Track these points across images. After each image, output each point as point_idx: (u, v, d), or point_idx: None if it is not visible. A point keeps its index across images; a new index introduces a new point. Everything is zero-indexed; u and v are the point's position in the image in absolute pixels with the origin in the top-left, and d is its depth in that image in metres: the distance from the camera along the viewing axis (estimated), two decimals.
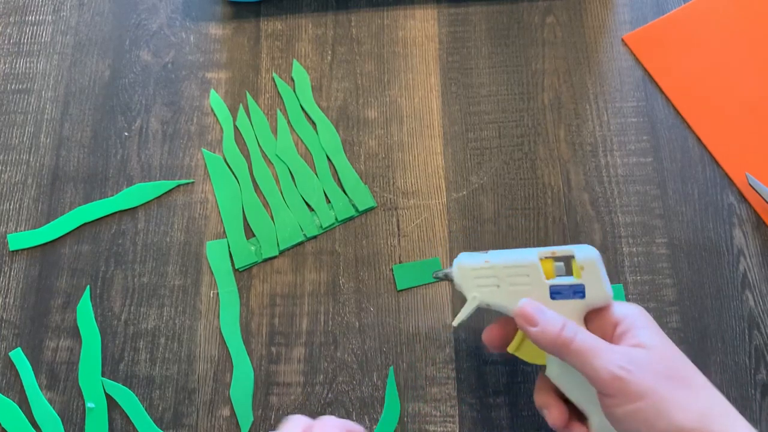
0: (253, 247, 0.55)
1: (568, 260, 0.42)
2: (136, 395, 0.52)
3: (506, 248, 0.54)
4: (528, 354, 0.43)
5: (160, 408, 0.51)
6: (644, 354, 0.37)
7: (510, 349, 0.44)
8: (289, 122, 0.59)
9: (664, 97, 0.59)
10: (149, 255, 0.55)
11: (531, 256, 0.42)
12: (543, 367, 0.43)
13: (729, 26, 0.60)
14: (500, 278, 0.42)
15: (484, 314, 0.53)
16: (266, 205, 0.57)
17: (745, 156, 0.56)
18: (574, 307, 0.40)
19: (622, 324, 0.39)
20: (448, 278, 0.45)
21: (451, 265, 0.47)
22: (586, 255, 0.41)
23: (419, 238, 0.55)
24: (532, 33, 0.61)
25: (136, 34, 0.63)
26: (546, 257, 0.42)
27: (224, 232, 0.56)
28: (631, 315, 0.40)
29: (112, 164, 0.58)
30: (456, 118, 0.59)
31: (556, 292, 0.41)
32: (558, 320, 0.39)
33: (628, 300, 0.52)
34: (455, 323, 0.45)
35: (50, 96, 0.61)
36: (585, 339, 0.38)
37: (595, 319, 0.41)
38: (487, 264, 0.43)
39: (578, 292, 0.40)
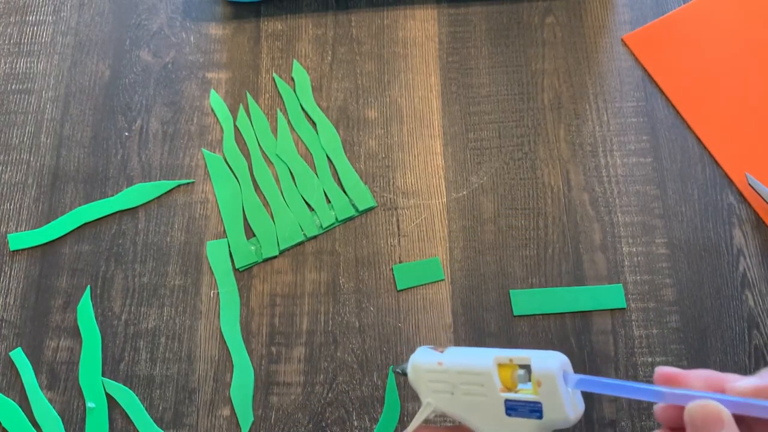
0: (253, 247, 0.55)
1: (528, 368, 0.35)
2: (137, 395, 0.52)
3: (508, 249, 0.54)
4: None
5: (160, 408, 0.51)
6: None
7: None
8: (289, 122, 0.60)
9: (664, 97, 0.59)
10: (149, 255, 0.56)
11: (487, 360, 0.35)
12: None
13: (729, 26, 0.60)
14: (454, 385, 0.36)
15: (485, 313, 0.53)
16: (266, 205, 0.57)
17: (745, 156, 0.56)
18: (534, 427, 0.34)
19: None
20: (404, 374, 0.39)
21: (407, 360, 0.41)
22: (543, 366, 0.34)
23: (419, 238, 0.55)
24: (532, 33, 0.61)
25: (137, 34, 0.63)
26: (503, 363, 0.35)
27: (224, 232, 0.56)
28: None
29: (113, 164, 0.59)
30: (456, 118, 0.59)
31: (511, 408, 0.35)
32: None
33: (627, 300, 0.53)
34: (408, 431, 0.39)
35: (50, 96, 0.61)
36: None
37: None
38: (440, 366, 0.37)
39: (535, 411, 0.34)
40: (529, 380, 0.35)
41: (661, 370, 0.33)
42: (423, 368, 0.38)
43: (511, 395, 0.35)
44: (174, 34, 0.63)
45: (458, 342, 0.52)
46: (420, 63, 0.61)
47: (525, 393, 0.34)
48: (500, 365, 0.35)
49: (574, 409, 0.34)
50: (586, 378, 0.33)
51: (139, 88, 0.61)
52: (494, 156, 0.58)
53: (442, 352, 0.38)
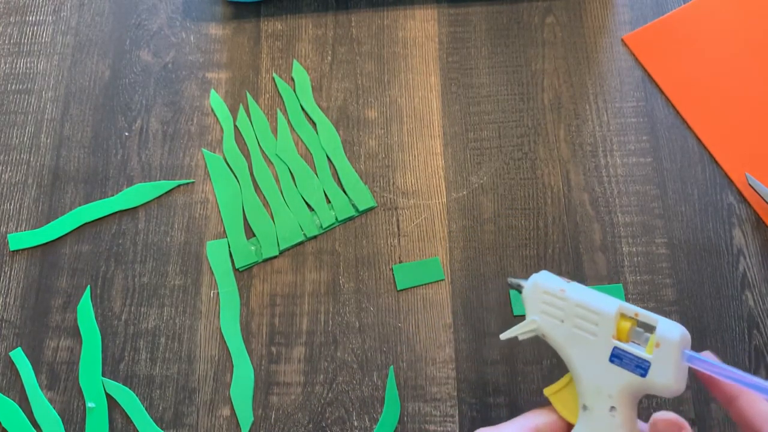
0: (253, 247, 0.55)
1: (649, 329, 0.36)
2: (137, 395, 0.52)
3: (508, 249, 0.54)
4: (562, 403, 0.39)
5: (160, 408, 0.51)
6: None
7: (547, 392, 0.40)
8: (289, 122, 0.60)
9: (664, 97, 0.59)
10: (149, 255, 0.56)
11: (611, 307, 0.37)
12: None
13: (729, 26, 0.60)
14: (567, 314, 0.38)
15: (485, 313, 0.53)
16: (266, 205, 0.57)
17: (745, 156, 0.56)
18: (631, 382, 0.35)
19: None
20: (519, 288, 0.41)
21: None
22: (668, 331, 0.35)
23: (419, 238, 0.55)
24: (532, 33, 0.61)
25: (137, 34, 0.63)
26: (627, 315, 0.37)
27: (224, 232, 0.56)
28: None
29: (113, 164, 0.59)
30: (456, 118, 0.59)
31: (616, 356, 0.36)
32: None
33: (627, 300, 0.53)
34: (503, 336, 0.41)
35: (50, 96, 0.61)
36: None
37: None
38: (562, 293, 0.38)
39: (640, 367, 0.35)
40: (645, 340, 0.36)
41: None
42: (543, 288, 0.39)
43: (623, 345, 0.35)
44: (174, 34, 0.63)
45: (458, 342, 0.52)
46: (420, 63, 0.61)
47: (638, 348, 0.35)
48: (623, 315, 0.36)
49: (678, 382, 0.34)
50: (702, 359, 0.34)
51: (139, 88, 0.61)
52: (494, 156, 0.58)
53: (568, 281, 0.39)
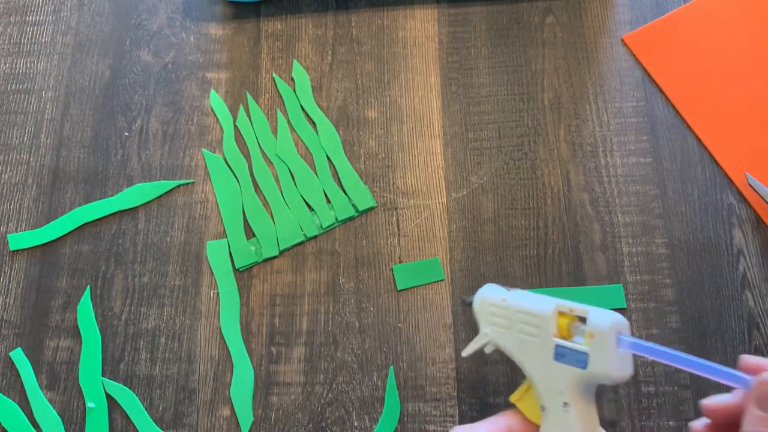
0: (253, 247, 0.55)
1: (585, 321, 0.37)
2: (137, 395, 0.52)
3: (508, 249, 0.54)
4: (526, 407, 0.40)
5: (160, 408, 0.51)
6: None
7: (512, 399, 0.41)
8: (289, 122, 0.60)
9: (664, 97, 0.59)
10: (149, 255, 0.56)
11: (548, 306, 0.38)
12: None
13: (729, 26, 0.60)
14: (512, 321, 0.40)
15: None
16: (266, 205, 0.57)
17: (745, 156, 0.56)
18: (576, 376, 0.36)
19: None
20: (469, 305, 0.43)
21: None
22: (598, 321, 0.35)
23: (419, 238, 0.55)
24: (532, 33, 0.61)
25: (136, 34, 0.63)
26: (564, 312, 0.38)
27: (224, 232, 0.56)
28: None
29: (113, 164, 0.59)
30: (456, 118, 0.59)
31: (559, 354, 0.37)
32: None
33: (627, 300, 0.53)
34: (464, 354, 0.43)
35: (50, 96, 0.61)
36: None
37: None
38: (504, 303, 0.40)
39: (581, 360, 0.35)
40: (583, 333, 0.36)
41: (745, 361, 0.34)
42: (488, 301, 0.41)
43: (563, 342, 0.37)
44: (174, 34, 0.63)
45: (458, 343, 0.52)
46: (420, 63, 0.61)
47: (577, 343, 0.36)
48: (560, 313, 0.37)
49: (619, 368, 0.35)
50: (638, 342, 0.34)
51: (139, 88, 0.61)
52: (494, 156, 0.58)
53: (509, 290, 0.41)
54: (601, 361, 0.35)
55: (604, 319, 0.36)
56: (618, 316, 0.36)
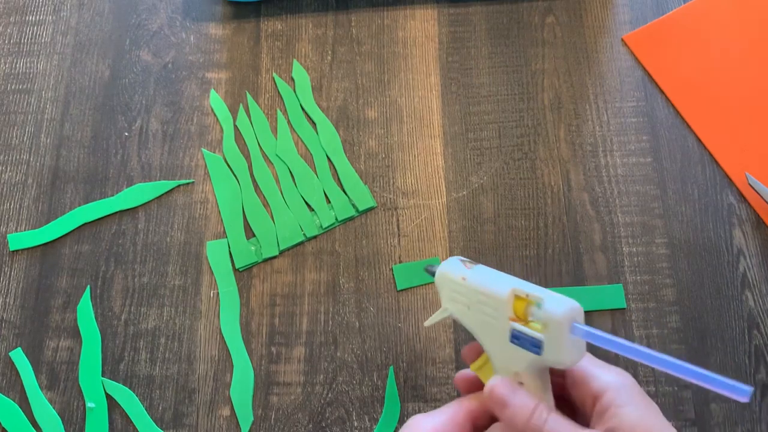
0: (253, 247, 0.55)
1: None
2: (137, 395, 0.52)
3: (508, 249, 0.54)
4: (486, 377, 0.40)
5: (160, 408, 0.51)
6: None
7: (473, 368, 0.41)
8: (289, 122, 0.60)
9: (664, 97, 0.59)
10: (149, 255, 0.56)
11: (504, 289, 0.37)
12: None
13: (729, 26, 0.60)
14: (471, 301, 0.39)
15: None
16: (266, 205, 0.57)
17: (745, 156, 0.56)
18: (531, 359, 0.36)
19: (602, 399, 0.35)
20: (433, 275, 0.43)
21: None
22: (553, 309, 0.35)
23: (419, 238, 0.55)
24: (532, 33, 0.61)
25: (136, 34, 0.63)
26: (519, 296, 0.37)
27: (224, 232, 0.56)
28: (613, 388, 0.35)
29: (112, 164, 0.59)
30: (456, 118, 0.59)
31: (515, 337, 0.36)
32: (528, 405, 0.35)
33: (627, 300, 0.53)
34: (426, 324, 0.43)
35: (50, 96, 0.61)
36: (558, 427, 0.34)
37: (576, 387, 0.37)
38: (463, 281, 0.40)
39: (535, 346, 0.35)
40: (539, 318, 0.36)
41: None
42: (447, 278, 0.41)
43: (518, 326, 0.36)
44: (174, 34, 0.63)
45: (458, 343, 0.52)
46: (420, 63, 0.61)
47: (532, 328, 0.36)
48: (517, 297, 0.37)
49: (571, 355, 0.35)
50: (592, 332, 0.35)
51: (139, 88, 0.61)
52: (494, 156, 0.58)
53: (470, 268, 0.40)
54: (555, 348, 0.35)
55: (559, 307, 0.35)
56: (573, 303, 0.35)
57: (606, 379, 0.36)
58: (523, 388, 0.36)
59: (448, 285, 0.41)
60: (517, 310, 0.37)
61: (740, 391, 0.29)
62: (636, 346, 0.33)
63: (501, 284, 0.38)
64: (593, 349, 0.35)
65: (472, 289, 0.39)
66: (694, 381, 0.31)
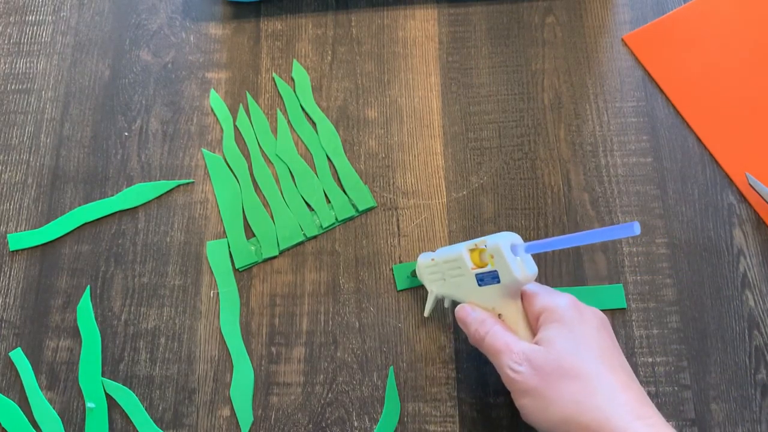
0: (253, 247, 0.55)
1: None
2: (136, 395, 0.52)
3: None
4: None
5: (160, 408, 0.51)
6: (540, 352, 0.40)
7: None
8: (289, 122, 0.60)
9: (664, 97, 0.59)
10: (149, 255, 0.56)
11: (459, 249, 0.46)
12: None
13: (729, 26, 0.60)
14: (443, 272, 0.48)
15: None
16: (266, 205, 0.57)
17: (745, 156, 0.56)
18: (497, 291, 0.44)
19: (541, 316, 0.42)
20: (413, 274, 0.52)
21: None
22: (493, 243, 0.43)
23: (419, 238, 0.55)
24: (532, 33, 0.61)
25: (136, 34, 0.63)
26: (471, 248, 0.45)
27: (224, 232, 0.56)
28: (550, 308, 0.42)
29: (112, 164, 0.59)
30: (456, 118, 0.59)
31: (480, 280, 0.45)
32: (477, 318, 0.44)
33: (627, 300, 0.53)
34: (425, 314, 0.51)
35: (50, 96, 0.61)
36: (494, 336, 0.42)
37: (528, 308, 0.43)
38: (433, 262, 0.48)
39: (495, 277, 0.43)
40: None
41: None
42: (423, 266, 0.50)
43: (478, 270, 0.45)
44: (174, 34, 0.63)
45: (458, 343, 0.52)
46: (420, 63, 0.61)
47: (487, 267, 0.44)
48: (470, 250, 0.46)
49: (522, 271, 0.43)
50: (530, 243, 0.43)
51: (139, 88, 0.61)
52: (494, 156, 0.58)
53: (435, 252, 0.49)
54: (506, 271, 0.43)
55: (496, 239, 0.43)
56: (508, 233, 0.44)
57: (547, 300, 0.42)
58: (491, 315, 0.44)
59: (425, 271, 0.50)
60: (474, 260, 0.45)
61: (628, 229, 0.36)
62: (571, 235, 0.41)
63: (457, 248, 0.46)
64: None
65: (441, 263, 0.48)
66: (591, 242, 0.39)
